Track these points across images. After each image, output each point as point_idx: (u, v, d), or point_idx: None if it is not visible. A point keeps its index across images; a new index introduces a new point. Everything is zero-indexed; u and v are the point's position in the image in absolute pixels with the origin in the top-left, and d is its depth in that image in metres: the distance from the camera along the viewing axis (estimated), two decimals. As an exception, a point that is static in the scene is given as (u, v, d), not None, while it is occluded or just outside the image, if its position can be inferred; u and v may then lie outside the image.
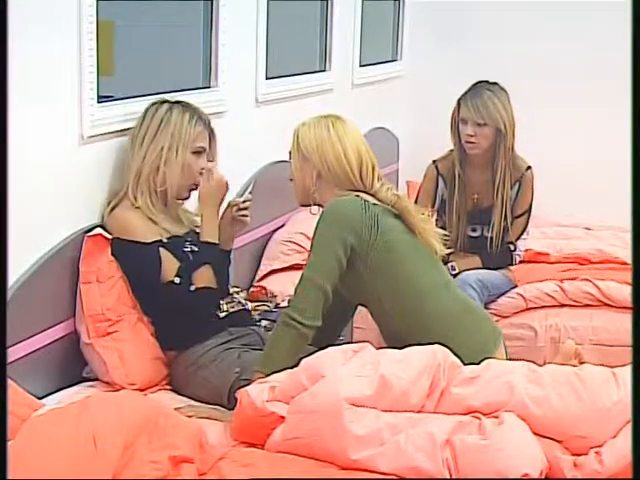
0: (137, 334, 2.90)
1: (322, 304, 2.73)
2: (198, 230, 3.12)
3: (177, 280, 2.91)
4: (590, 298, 3.81)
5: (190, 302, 2.92)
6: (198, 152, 3.01)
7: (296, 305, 2.73)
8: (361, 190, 2.88)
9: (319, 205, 2.95)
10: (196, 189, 3.06)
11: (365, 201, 2.82)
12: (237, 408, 2.45)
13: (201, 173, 3.02)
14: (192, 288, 2.92)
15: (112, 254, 2.88)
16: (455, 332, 2.76)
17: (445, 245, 2.95)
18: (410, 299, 2.82)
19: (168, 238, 2.96)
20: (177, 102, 3.03)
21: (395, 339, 2.80)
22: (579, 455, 2.23)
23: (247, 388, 2.46)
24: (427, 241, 2.88)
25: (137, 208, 2.94)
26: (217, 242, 3.00)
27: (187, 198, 3.09)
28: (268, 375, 2.56)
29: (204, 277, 2.94)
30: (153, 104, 3.01)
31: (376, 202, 2.85)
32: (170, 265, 2.92)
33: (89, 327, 2.81)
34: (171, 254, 2.93)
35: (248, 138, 3.95)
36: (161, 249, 2.92)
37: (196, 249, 3.00)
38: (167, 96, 3.07)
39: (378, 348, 2.56)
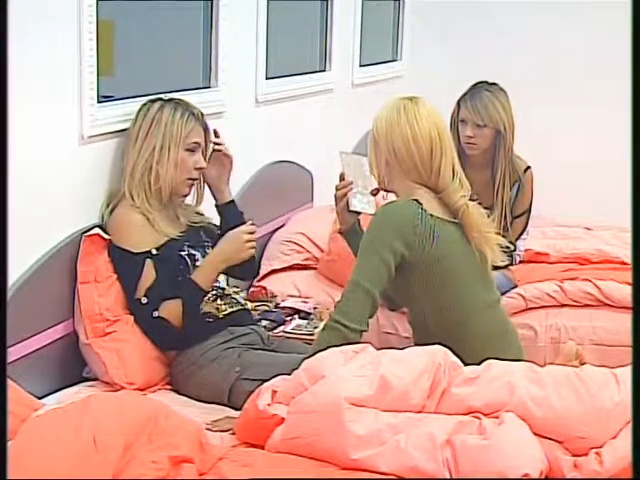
0: (136, 334, 2.90)
1: (369, 309, 2.66)
2: (196, 225, 3.11)
3: (144, 300, 2.88)
4: (590, 298, 3.80)
5: (148, 327, 2.89)
6: (192, 149, 2.99)
7: (341, 308, 2.65)
8: (428, 185, 2.74)
9: (392, 192, 2.82)
10: (193, 184, 3.04)
11: (422, 209, 2.69)
12: (242, 411, 2.45)
13: (196, 169, 3.01)
14: (155, 314, 2.88)
15: (109, 255, 2.89)
16: (491, 354, 2.63)
17: (505, 254, 2.86)
18: (454, 318, 2.77)
19: (164, 243, 2.94)
20: (170, 100, 3.01)
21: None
22: (579, 456, 2.23)
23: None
24: (481, 251, 2.78)
25: (137, 208, 2.93)
26: (204, 290, 2.92)
27: (187, 195, 3.08)
28: None
29: (171, 310, 2.88)
30: (145, 103, 2.99)
31: (433, 212, 2.70)
32: (147, 281, 2.89)
33: (87, 327, 2.81)
34: (154, 268, 2.89)
35: (248, 138, 3.94)
36: (148, 261, 2.89)
37: (193, 252, 2.99)
38: (167, 96, 3.06)
39: (378, 349, 2.56)
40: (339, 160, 2.95)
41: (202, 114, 3.04)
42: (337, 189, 2.92)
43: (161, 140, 2.93)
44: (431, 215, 2.71)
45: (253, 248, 2.98)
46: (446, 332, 2.76)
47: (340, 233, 3.00)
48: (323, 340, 2.65)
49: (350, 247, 2.97)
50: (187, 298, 2.89)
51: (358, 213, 2.94)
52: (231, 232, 3.01)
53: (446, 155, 2.75)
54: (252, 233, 2.99)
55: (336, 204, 2.95)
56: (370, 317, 2.68)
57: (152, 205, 2.96)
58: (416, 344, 2.87)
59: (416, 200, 2.72)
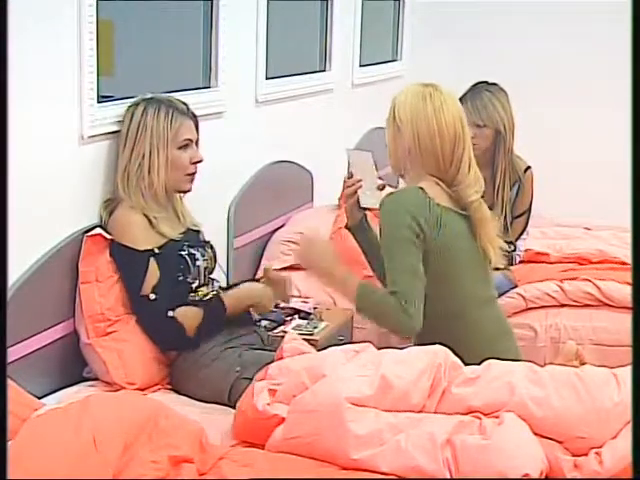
0: (137, 334, 2.89)
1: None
2: (196, 228, 3.11)
3: (152, 296, 2.87)
4: (590, 298, 3.80)
5: (157, 324, 2.88)
6: (184, 145, 2.97)
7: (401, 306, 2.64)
8: (443, 178, 2.73)
9: (404, 180, 2.82)
10: (193, 178, 3.02)
11: (428, 197, 2.69)
12: (238, 410, 2.45)
13: (193, 163, 2.99)
14: (170, 314, 2.87)
15: (110, 255, 2.88)
16: (487, 352, 2.63)
17: (504, 257, 2.87)
18: (451, 308, 2.76)
19: (164, 243, 2.93)
20: (151, 99, 2.97)
21: (424, 337, 2.78)
22: (579, 455, 2.23)
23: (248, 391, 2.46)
24: (485, 249, 2.79)
25: (137, 209, 2.93)
26: (227, 312, 2.95)
27: (188, 190, 3.06)
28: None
29: (189, 316, 2.89)
30: (130, 107, 2.97)
31: (439, 201, 2.70)
32: (153, 278, 2.88)
33: (88, 327, 2.81)
34: (157, 267, 2.89)
35: (248, 138, 3.94)
36: (152, 259, 2.88)
37: (193, 251, 2.99)
38: (167, 96, 3.05)
39: (379, 348, 2.56)
40: (345, 157, 2.95)
41: (187, 106, 3.01)
42: (346, 186, 2.93)
43: (149, 147, 2.91)
44: (437, 204, 2.71)
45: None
46: (444, 322, 2.76)
47: (348, 229, 3.01)
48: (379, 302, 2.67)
49: (358, 243, 2.98)
50: (209, 314, 2.91)
51: (367, 209, 2.95)
52: (265, 287, 3.11)
53: (466, 148, 2.75)
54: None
55: (345, 201, 2.95)
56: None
57: (151, 207, 2.95)
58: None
59: (421, 188, 2.72)
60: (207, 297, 3.00)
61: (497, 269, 3.79)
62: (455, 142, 2.71)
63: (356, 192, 2.90)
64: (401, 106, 2.75)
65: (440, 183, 2.75)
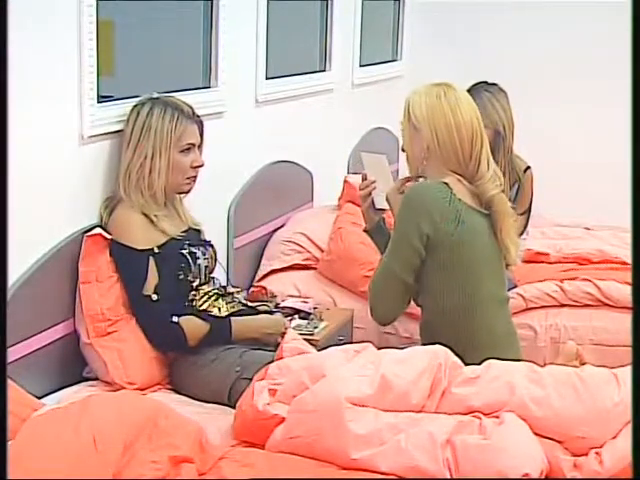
0: (137, 334, 2.89)
1: (402, 294, 2.78)
2: (196, 227, 3.11)
3: (154, 297, 2.87)
4: (590, 298, 3.80)
5: (158, 325, 2.88)
6: (186, 149, 2.97)
7: (376, 295, 2.81)
8: (464, 174, 2.76)
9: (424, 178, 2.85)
10: (193, 181, 3.03)
11: (452, 192, 2.71)
12: (238, 410, 2.45)
13: (194, 167, 2.99)
14: (175, 319, 2.88)
15: (110, 255, 2.88)
16: (493, 351, 2.66)
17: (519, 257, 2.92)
18: (462, 303, 2.78)
19: (165, 242, 2.94)
20: (158, 99, 2.97)
21: (431, 331, 2.82)
22: (579, 455, 2.23)
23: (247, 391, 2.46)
24: (506, 248, 2.81)
25: (137, 208, 2.93)
26: (232, 336, 2.94)
27: (188, 192, 3.06)
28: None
29: (193, 327, 2.89)
30: (136, 105, 2.96)
31: (461, 198, 2.73)
32: (154, 278, 2.89)
33: (88, 327, 2.81)
34: (157, 266, 2.89)
35: (248, 138, 3.95)
36: (151, 258, 2.89)
37: (194, 250, 2.99)
38: (154, 94, 3.03)
39: (379, 348, 2.57)
40: (346, 158, 2.97)
41: (193, 110, 3.01)
42: (361, 189, 2.95)
43: (152, 149, 2.91)
44: (459, 200, 2.73)
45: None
46: (453, 317, 2.77)
47: (365, 231, 3.02)
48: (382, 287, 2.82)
49: (376, 245, 3.01)
50: (215, 331, 2.91)
51: (383, 210, 2.97)
52: (281, 318, 3.12)
53: (484, 145, 2.78)
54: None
55: (361, 203, 2.97)
56: (405, 301, 2.82)
57: (150, 206, 2.95)
58: (421, 327, 2.90)
59: (445, 183, 2.74)
60: (212, 301, 3.00)
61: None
62: (473, 138, 2.74)
63: (371, 194, 2.92)
64: (416, 105, 2.77)
65: (462, 180, 2.78)
